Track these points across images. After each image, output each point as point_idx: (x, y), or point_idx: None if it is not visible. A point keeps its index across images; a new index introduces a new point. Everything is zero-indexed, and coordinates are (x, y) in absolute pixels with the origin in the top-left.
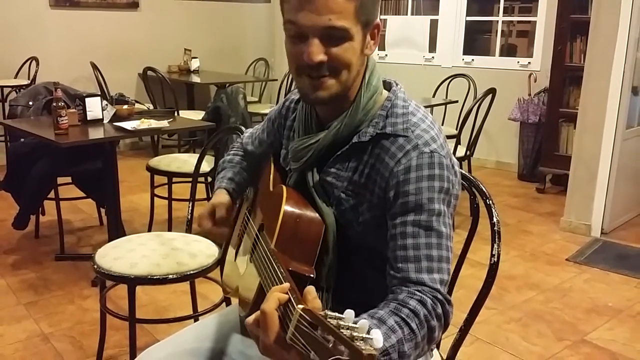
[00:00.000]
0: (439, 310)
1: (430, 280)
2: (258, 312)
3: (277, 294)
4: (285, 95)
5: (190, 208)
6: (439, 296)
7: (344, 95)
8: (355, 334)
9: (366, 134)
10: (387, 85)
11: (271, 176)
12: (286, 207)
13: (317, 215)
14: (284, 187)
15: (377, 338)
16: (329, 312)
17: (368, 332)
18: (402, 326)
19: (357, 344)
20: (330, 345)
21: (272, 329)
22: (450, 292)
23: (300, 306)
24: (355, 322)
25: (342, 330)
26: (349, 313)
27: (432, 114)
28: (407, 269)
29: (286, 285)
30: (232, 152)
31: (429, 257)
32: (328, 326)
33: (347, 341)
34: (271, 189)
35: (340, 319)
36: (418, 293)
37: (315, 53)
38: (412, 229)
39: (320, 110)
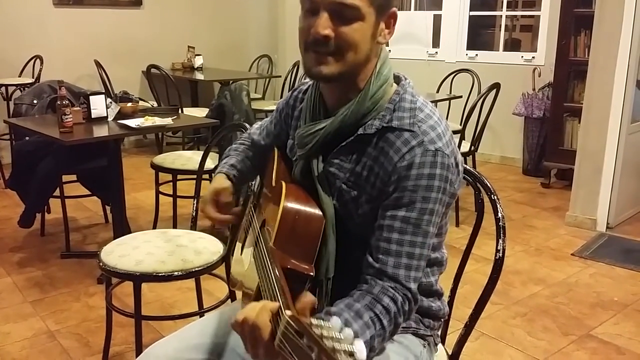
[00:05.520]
0: (407, 307)
1: (405, 277)
2: (246, 317)
3: (269, 306)
4: (289, 91)
5: (195, 205)
6: (409, 295)
7: (349, 78)
8: (337, 346)
9: (372, 127)
10: (396, 79)
11: (274, 171)
12: (285, 204)
13: (317, 210)
14: (284, 183)
15: (360, 349)
16: (315, 321)
17: (352, 343)
18: (375, 322)
19: (340, 357)
20: (314, 356)
21: (263, 341)
22: (455, 288)
23: (288, 312)
24: (340, 331)
25: (325, 341)
26: (335, 321)
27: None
28: (386, 262)
29: (276, 304)
30: (238, 141)
31: (410, 254)
32: (312, 336)
33: (329, 354)
34: (273, 184)
35: (327, 328)
36: (391, 290)
37: (323, 26)
38: (401, 224)
39: (327, 97)
